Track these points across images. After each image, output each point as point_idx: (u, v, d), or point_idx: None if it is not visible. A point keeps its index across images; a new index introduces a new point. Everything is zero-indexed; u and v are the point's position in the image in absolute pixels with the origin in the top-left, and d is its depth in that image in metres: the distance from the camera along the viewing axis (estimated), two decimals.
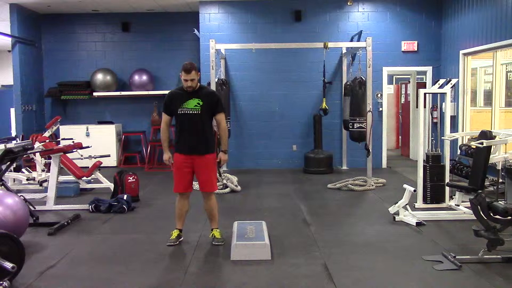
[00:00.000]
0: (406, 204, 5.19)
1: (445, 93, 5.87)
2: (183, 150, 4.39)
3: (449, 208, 5.58)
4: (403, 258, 4.04)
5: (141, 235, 4.88)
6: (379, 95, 9.15)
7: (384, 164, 9.26)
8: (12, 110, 10.05)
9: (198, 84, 4.41)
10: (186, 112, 4.32)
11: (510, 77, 7.64)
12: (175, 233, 4.53)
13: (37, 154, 6.83)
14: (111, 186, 6.61)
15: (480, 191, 4.19)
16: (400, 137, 11.86)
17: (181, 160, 4.40)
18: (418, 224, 4.95)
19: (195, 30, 9.07)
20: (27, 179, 6.96)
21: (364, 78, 7.63)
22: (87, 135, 9.53)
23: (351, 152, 8.99)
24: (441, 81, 6.05)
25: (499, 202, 3.96)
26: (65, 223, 5.09)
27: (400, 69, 9.71)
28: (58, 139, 8.20)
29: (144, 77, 9.73)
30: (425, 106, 6.06)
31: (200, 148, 4.38)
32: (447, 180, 5.74)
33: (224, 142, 4.56)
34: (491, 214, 3.84)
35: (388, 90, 10.14)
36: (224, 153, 4.54)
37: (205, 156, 4.41)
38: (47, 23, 10.01)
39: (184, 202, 4.55)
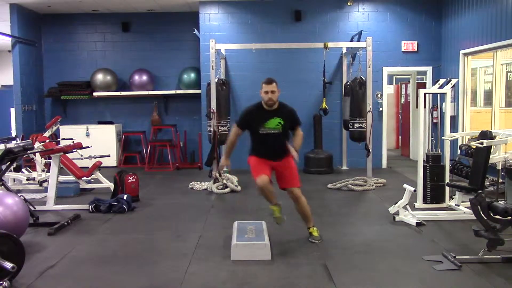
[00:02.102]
0: (406, 204, 5.19)
1: (445, 93, 5.87)
2: (261, 157, 4.41)
3: (449, 208, 5.58)
4: (403, 258, 4.04)
5: (141, 235, 4.88)
6: (379, 95, 9.14)
7: (384, 164, 9.26)
8: (12, 110, 10.04)
9: (278, 101, 4.39)
10: (268, 132, 4.33)
11: (510, 77, 7.65)
12: (276, 209, 4.41)
13: (37, 154, 6.83)
14: (111, 186, 6.60)
15: (480, 191, 4.19)
16: (400, 137, 11.86)
17: (259, 159, 4.40)
18: (418, 224, 4.95)
19: (195, 30, 9.07)
20: (27, 179, 6.96)
21: (364, 78, 7.63)
22: (87, 135, 9.52)
23: (351, 152, 8.99)
24: (441, 81, 6.05)
25: (499, 202, 3.96)
26: (65, 223, 5.09)
27: (400, 69, 9.71)
28: (58, 139, 8.19)
29: (144, 77, 9.73)
30: (425, 106, 6.06)
31: (278, 156, 4.40)
32: (447, 180, 5.74)
33: (298, 144, 4.45)
34: (491, 214, 3.84)
35: (388, 90, 10.13)
36: (296, 151, 4.37)
37: (283, 158, 4.40)
38: (47, 23, 10.01)
39: (267, 183, 4.30)
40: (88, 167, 6.97)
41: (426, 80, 9.42)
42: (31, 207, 5.14)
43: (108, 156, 7.79)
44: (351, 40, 8.90)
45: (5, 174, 5.66)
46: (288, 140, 4.53)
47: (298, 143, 4.49)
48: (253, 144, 4.53)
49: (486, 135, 4.86)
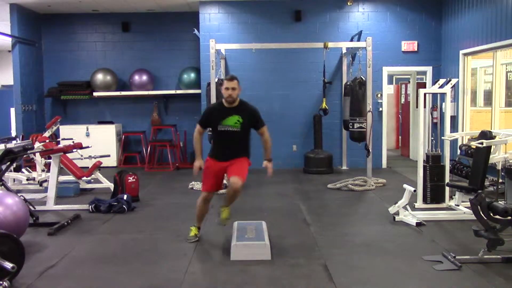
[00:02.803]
0: (406, 204, 5.19)
1: (445, 93, 5.87)
2: (218, 158, 4.43)
3: (449, 208, 5.58)
4: (403, 258, 4.04)
5: (141, 235, 4.88)
6: (379, 95, 9.14)
7: (384, 164, 9.26)
8: (12, 110, 10.06)
9: (238, 99, 4.42)
10: (226, 129, 4.34)
11: (510, 77, 7.64)
12: (193, 229, 4.60)
13: (37, 154, 6.83)
14: (111, 186, 6.61)
15: (480, 191, 4.19)
16: (400, 137, 11.86)
17: (213, 164, 4.43)
18: (418, 224, 4.95)
19: (195, 30, 9.07)
20: (27, 179, 6.96)
21: (364, 78, 7.63)
22: (87, 135, 9.52)
23: (351, 152, 8.99)
24: (441, 81, 6.05)
25: (499, 202, 3.96)
26: (65, 223, 5.09)
27: (400, 69, 9.71)
28: (58, 139, 8.20)
29: (144, 77, 9.73)
30: (425, 106, 6.06)
31: (235, 155, 4.40)
32: (447, 180, 5.74)
33: (268, 151, 4.50)
34: (491, 214, 3.84)
35: (388, 90, 10.13)
36: (268, 161, 4.47)
37: (239, 157, 4.41)
38: (47, 23, 10.01)
39: (207, 203, 4.57)
40: (88, 167, 6.97)
41: (426, 80, 9.42)
42: (31, 207, 5.14)
43: (108, 156, 7.79)
44: (351, 40, 8.90)
45: (5, 174, 5.66)
46: (247, 141, 4.48)
47: (268, 149, 4.48)
48: (213, 143, 4.58)
49: (486, 135, 4.86)
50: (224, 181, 6.98)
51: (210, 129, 4.62)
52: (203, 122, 4.56)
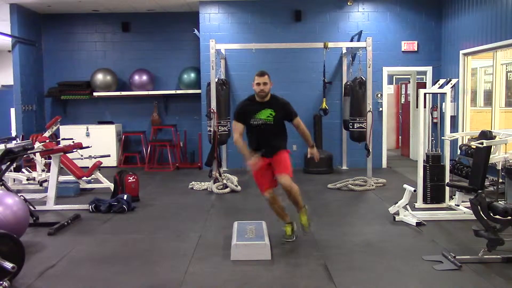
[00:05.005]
0: (406, 204, 5.19)
1: (445, 93, 5.87)
2: (256, 151, 4.41)
3: (449, 208, 5.58)
4: (403, 258, 4.04)
5: (141, 235, 4.87)
6: (379, 95, 9.14)
7: (384, 164, 9.26)
8: (12, 110, 10.05)
9: (270, 93, 4.43)
10: (259, 123, 4.36)
11: (510, 77, 7.65)
12: (288, 229, 4.51)
13: (37, 154, 6.83)
14: (111, 186, 6.60)
15: (480, 191, 4.19)
16: (400, 137, 11.86)
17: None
18: (418, 224, 4.95)
19: (195, 30, 9.07)
20: (27, 179, 6.96)
21: (364, 78, 7.63)
22: (87, 135, 9.52)
23: (351, 152, 8.99)
24: (441, 81, 6.05)
25: (499, 202, 3.96)
26: (65, 223, 5.09)
27: (400, 69, 9.71)
28: (58, 139, 8.19)
29: (144, 77, 9.73)
30: (425, 106, 6.06)
31: (275, 150, 4.42)
32: (447, 180, 5.74)
33: (309, 139, 4.67)
34: (491, 214, 3.84)
35: (388, 90, 10.13)
36: (312, 147, 4.66)
37: (279, 151, 4.43)
38: (47, 23, 10.01)
39: (276, 200, 4.48)
40: (88, 167, 6.97)
41: (426, 80, 9.42)
42: (31, 207, 5.13)
43: (108, 156, 7.79)
44: (351, 40, 8.90)
45: (5, 174, 5.66)
46: (284, 135, 4.54)
47: (308, 137, 4.61)
48: (248, 139, 4.56)
49: (486, 135, 4.86)
50: (224, 181, 7.03)
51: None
52: (239, 118, 4.46)
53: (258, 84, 4.34)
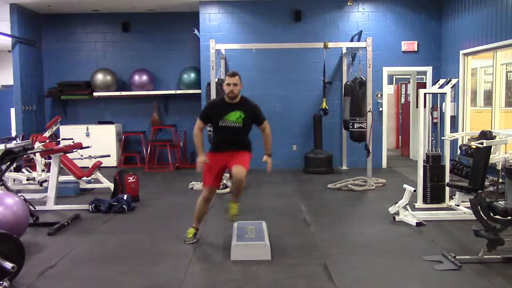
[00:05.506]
0: (406, 204, 5.19)
1: (445, 93, 5.87)
2: (218, 150, 4.44)
3: (449, 208, 5.58)
4: (403, 258, 4.04)
5: (141, 235, 4.87)
6: (379, 95, 9.15)
7: (384, 164, 9.26)
8: (12, 110, 10.05)
9: (240, 95, 4.44)
10: (227, 125, 4.34)
11: (510, 77, 7.65)
12: (190, 232, 4.54)
13: (37, 154, 6.83)
14: (111, 186, 6.60)
15: (480, 191, 4.19)
16: (400, 137, 11.86)
17: (213, 156, 4.42)
18: (418, 224, 4.94)
19: (195, 30, 9.07)
20: (27, 179, 6.95)
21: (364, 78, 7.63)
22: (87, 135, 9.53)
23: (351, 152, 8.99)
24: (441, 81, 6.05)
25: (499, 202, 3.96)
26: (65, 223, 5.08)
27: (400, 69, 9.71)
28: (58, 139, 8.19)
29: (144, 77, 9.73)
30: (425, 106, 6.06)
31: (236, 149, 4.41)
32: (447, 180, 5.74)
33: (269, 147, 4.55)
34: (491, 214, 3.84)
35: (388, 90, 10.13)
36: (268, 156, 4.51)
37: (240, 151, 4.41)
38: (47, 23, 10.01)
39: (208, 203, 4.53)
40: (88, 167, 6.97)
41: (426, 80, 9.42)
42: (31, 207, 5.13)
43: (108, 156, 7.79)
44: (351, 40, 8.90)
45: (5, 174, 5.65)
46: (248, 135, 4.50)
47: (268, 144, 4.52)
48: (213, 138, 4.57)
49: (486, 135, 4.86)
50: (225, 181, 7.02)
51: (211, 128, 4.61)
52: (204, 117, 4.51)
53: (229, 84, 4.34)
